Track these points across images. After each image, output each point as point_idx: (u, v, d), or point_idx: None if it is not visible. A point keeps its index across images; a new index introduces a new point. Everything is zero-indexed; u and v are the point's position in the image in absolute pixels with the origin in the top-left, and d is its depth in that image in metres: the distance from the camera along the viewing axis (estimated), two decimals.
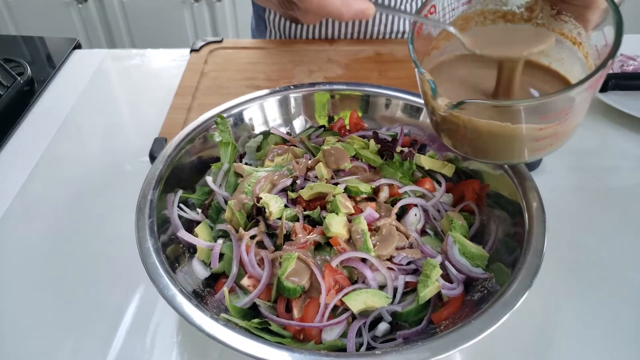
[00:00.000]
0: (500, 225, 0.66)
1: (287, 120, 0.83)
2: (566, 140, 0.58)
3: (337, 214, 0.62)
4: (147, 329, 0.66)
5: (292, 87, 0.82)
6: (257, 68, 1.11)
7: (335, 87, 0.83)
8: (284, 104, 0.82)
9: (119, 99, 1.10)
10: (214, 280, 0.64)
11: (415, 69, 0.56)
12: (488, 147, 0.58)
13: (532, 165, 0.87)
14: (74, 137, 0.99)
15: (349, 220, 0.63)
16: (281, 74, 1.09)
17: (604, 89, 1.00)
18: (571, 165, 0.90)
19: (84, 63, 1.20)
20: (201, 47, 1.17)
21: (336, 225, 0.60)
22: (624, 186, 0.86)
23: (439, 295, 0.60)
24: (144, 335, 0.65)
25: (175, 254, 0.63)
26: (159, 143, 0.89)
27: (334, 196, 0.64)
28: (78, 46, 1.26)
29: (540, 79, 0.63)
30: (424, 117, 0.79)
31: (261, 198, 0.64)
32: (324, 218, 0.62)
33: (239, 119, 0.79)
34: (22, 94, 1.05)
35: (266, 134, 0.80)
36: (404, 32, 1.21)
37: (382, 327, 0.58)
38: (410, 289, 0.61)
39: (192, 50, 1.16)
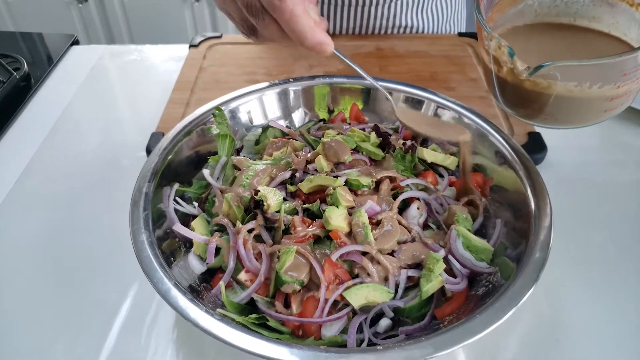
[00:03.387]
0: (504, 219, 0.65)
1: (287, 113, 0.81)
2: (633, 99, 0.58)
3: (337, 206, 0.61)
4: (143, 326, 0.64)
5: (291, 79, 0.81)
6: (256, 63, 1.09)
7: (335, 79, 0.81)
8: (283, 97, 0.80)
9: (116, 94, 1.08)
10: (210, 275, 0.62)
11: (486, 41, 0.56)
12: (563, 111, 0.58)
13: (537, 160, 0.85)
14: (70, 132, 0.97)
15: (350, 214, 0.61)
16: (281, 68, 1.07)
17: None
18: (576, 160, 0.88)
19: (82, 59, 1.18)
20: (200, 42, 1.15)
21: (336, 218, 0.59)
22: (630, 181, 0.85)
23: (442, 290, 0.58)
24: (139, 332, 0.63)
25: (171, 249, 0.61)
26: (156, 138, 0.88)
27: (334, 189, 0.62)
28: (76, 42, 1.24)
29: (593, 43, 0.63)
30: (425, 110, 0.77)
31: (259, 191, 0.62)
32: (324, 211, 0.60)
33: (237, 112, 0.77)
34: (18, 90, 1.04)
35: (265, 128, 0.79)
36: (405, 27, 1.20)
37: (384, 323, 0.56)
38: (413, 284, 0.59)
39: (190, 46, 1.14)
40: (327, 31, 0.58)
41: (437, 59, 1.09)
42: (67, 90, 1.07)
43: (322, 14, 1.16)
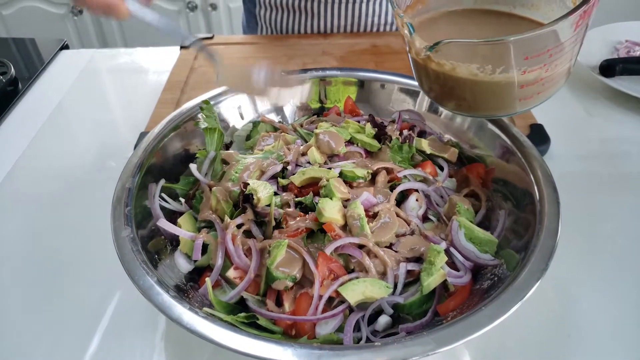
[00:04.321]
0: (508, 211, 0.61)
1: (278, 106, 0.78)
2: (555, 90, 0.55)
3: (331, 198, 0.57)
4: (128, 329, 0.60)
5: (283, 73, 0.78)
6: (249, 62, 1.07)
7: (328, 72, 0.78)
8: None
9: (106, 96, 1.06)
10: (198, 274, 0.59)
11: (395, 17, 0.55)
12: (473, 96, 0.56)
13: (540, 152, 0.82)
14: (57, 135, 0.94)
15: (344, 206, 0.58)
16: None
17: (611, 74, 0.96)
18: (580, 151, 0.85)
19: (71, 62, 1.16)
20: (191, 43, 1.12)
21: (330, 209, 0.55)
22: (636, 171, 0.81)
23: (444, 285, 0.55)
24: (124, 335, 0.60)
25: (157, 248, 0.58)
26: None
27: (327, 180, 0.59)
28: (66, 47, 1.22)
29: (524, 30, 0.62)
30: (421, 99, 0.74)
31: (248, 184, 0.59)
32: (317, 204, 0.57)
33: (226, 107, 0.74)
34: (5, 94, 1.01)
35: (256, 123, 0.76)
36: None
37: (383, 320, 0.53)
38: (413, 279, 0.55)
39: (181, 47, 1.12)
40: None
41: None
42: (55, 94, 1.05)
43: (314, 12, 1.14)
